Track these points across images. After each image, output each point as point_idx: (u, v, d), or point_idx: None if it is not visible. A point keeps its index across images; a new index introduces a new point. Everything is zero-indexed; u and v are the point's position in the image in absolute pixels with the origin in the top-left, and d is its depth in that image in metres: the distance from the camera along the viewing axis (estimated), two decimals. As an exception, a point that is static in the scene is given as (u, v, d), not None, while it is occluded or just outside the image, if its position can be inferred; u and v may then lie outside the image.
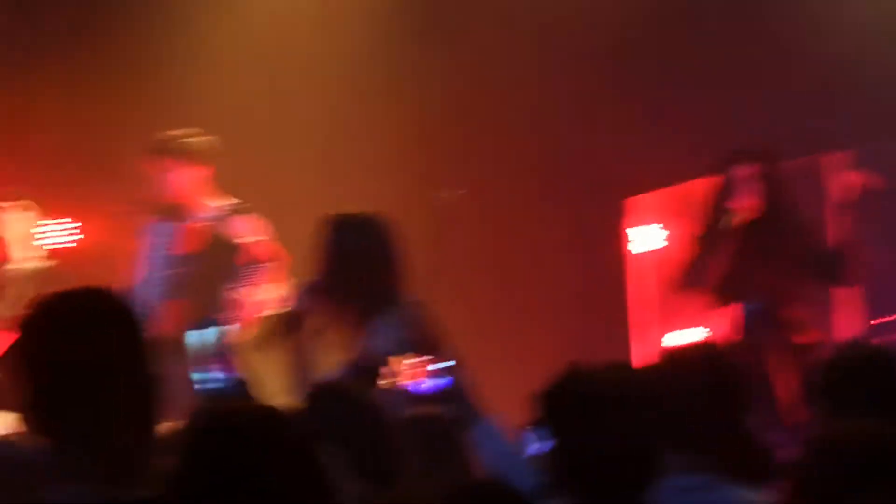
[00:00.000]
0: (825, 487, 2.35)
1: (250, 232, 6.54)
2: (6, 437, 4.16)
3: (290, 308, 4.68)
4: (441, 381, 3.41)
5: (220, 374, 3.49)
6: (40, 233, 8.18)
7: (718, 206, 6.34)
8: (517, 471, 3.25)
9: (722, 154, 6.58)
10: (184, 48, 8.83)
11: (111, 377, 2.35)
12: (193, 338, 3.53)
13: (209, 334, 3.53)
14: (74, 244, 8.48)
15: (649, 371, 3.49)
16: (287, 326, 4.71)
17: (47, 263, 7.25)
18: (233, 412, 2.38)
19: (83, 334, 2.36)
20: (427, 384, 3.45)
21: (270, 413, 2.37)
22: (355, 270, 4.73)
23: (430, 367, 3.46)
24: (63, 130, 8.78)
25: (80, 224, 8.62)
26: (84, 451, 2.32)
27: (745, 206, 6.25)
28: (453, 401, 3.48)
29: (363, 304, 4.67)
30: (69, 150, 8.74)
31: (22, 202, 7.25)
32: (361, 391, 3.48)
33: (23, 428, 4.29)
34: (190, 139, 6.74)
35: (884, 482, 2.34)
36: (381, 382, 3.55)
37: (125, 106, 8.67)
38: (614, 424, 2.80)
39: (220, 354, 3.51)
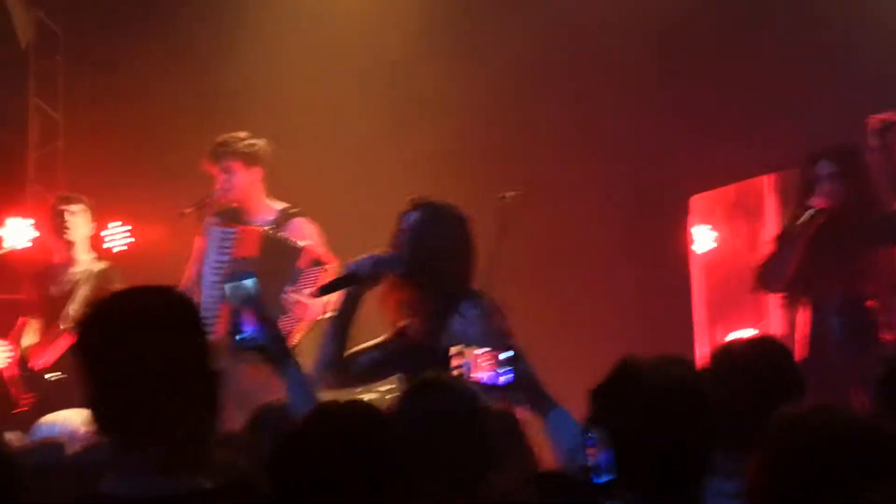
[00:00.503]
0: (788, 468, 2.29)
1: (307, 235, 6.55)
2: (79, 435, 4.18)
3: (352, 269, 4.58)
4: (512, 372, 3.39)
5: (253, 328, 3.50)
6: (103, 235, 8.31)
7: (800, 202, 6.25)
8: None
9: (803, 150, 6.49)
10: (240, 53, 8.89)
11: (174, 374, 2.37)
12: (229, 288, 3.52)
13: (246, 286, 3.52)
14: (126, 247, 8.58)
15: (705, 366, 3.44)
16: (341, 284, 4.62)
17: (109, 265, 7.33)
18: (330, 409, 2.50)
19: (147, 331, 2.38)
20: (500, 375, 3.43)
21: (365, 410, 2.46)
22: (442, 257, 4.64)
23: (502, 358, 3.43)
24: (118, 133, 8.88)
25: (130, 227, 8.72)
26: (147, 445, 2.36)
27: (825, 203, 6.16)
28: (527, 389, 3.45)
29: (446, 291, 4.59)
30: (124, 152, 8.83)
31: (84, 205, 7.33)
32: (461, 383, 3.46)
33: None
34: (251, 141, 6.76)
35: (842, 465, 2.28)
36: (454, 372, 3.51)
37: (180, 108, 8.74)
38: (664, 419, 2.74)
39: (254, 306, 3.49)
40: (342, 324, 4.69)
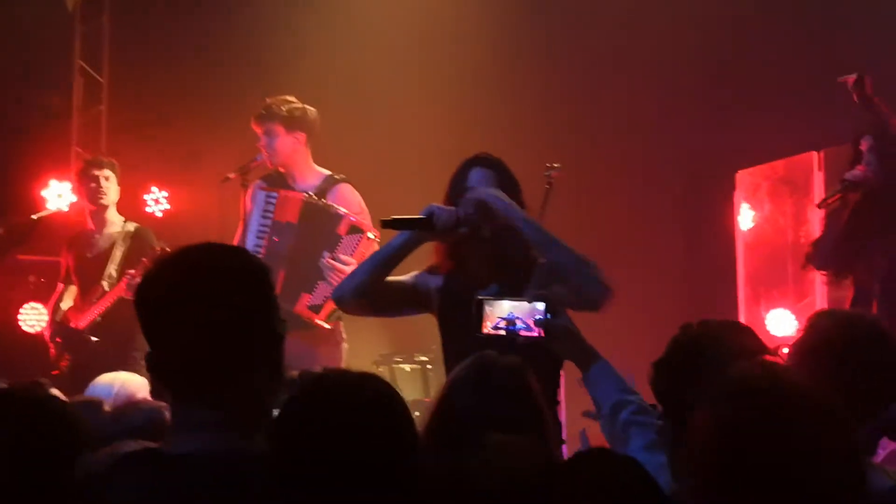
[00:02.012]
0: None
1: (350, 202, 6.52)
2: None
3: (435, 214, 4.52)
4: (552, 325, 3.33)
5: None
6: (144, 199, 8.31)
7: (842, 178, 6.18)
8: (630, 414, 3.20)
9: (845, 127, 6.42)
10: (289, 20, 8.87)
11: (239, 333, 2.33)
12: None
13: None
14: (161, 213, 8.59)
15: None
16: (414, 225, 4.55)
17: (140, 226, 7.34)
18: (333, 378, 2.38)
19: (213, 287, 2.34)
20: (539, 328, 3.38)
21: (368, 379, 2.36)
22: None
23: (541, 308, 3.37)
24: (161, 97, 8.89)
25: (168, 193, 8.72)
26: (205, 404, 2.32)
27: (858, 178, 6.08)
28: (569, 342, 3.40)
29: (512, 247, 4.55)
30: (167, 116, 8.84)
31: (113, 168, 7.34)
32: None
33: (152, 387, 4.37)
34: (294, 106, 6.73)
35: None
36: (488, 324, 3.45)
37: (224, 73, 8.73)
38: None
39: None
40: (390, 260, 4.62)
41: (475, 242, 4.49)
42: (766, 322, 7.67)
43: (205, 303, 2.32)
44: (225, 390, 2.32)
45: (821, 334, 3.15)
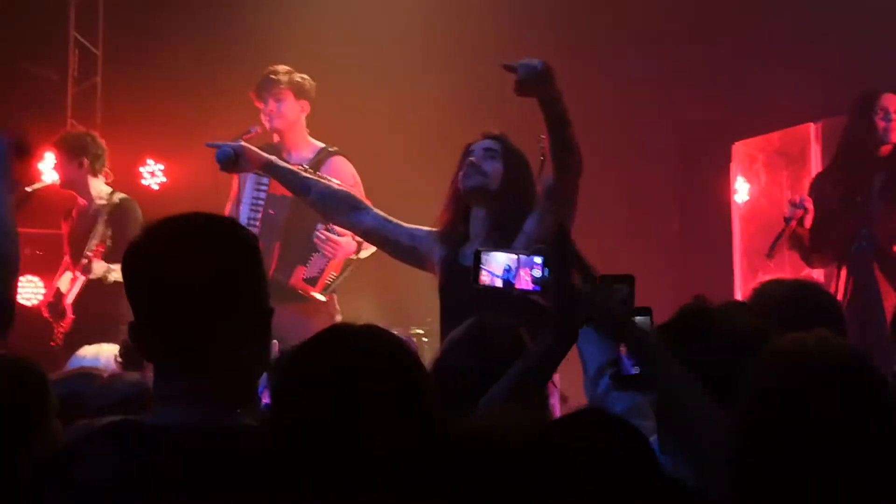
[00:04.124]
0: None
1: (344, 175, 6.52)
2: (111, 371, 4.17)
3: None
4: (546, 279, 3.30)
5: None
6: (140, 171, 8.27)
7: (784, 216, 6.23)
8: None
9: (841, 98, 6.44)
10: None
11: (225, 303, 2.28)
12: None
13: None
14: (157, 186, 8.55)
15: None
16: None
17: (125, 197, 7.28)
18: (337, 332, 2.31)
19: (199, 257, 2.29)
20: (535, 281, 3.36)
21: (374, 331, 2.28)
22: (528, 180, 4.77)
23: (537, 262, 3.36)
24: (156, 70, 8.85)
25: (164, 166, 8.69)
26: (189, 375, 2.28)
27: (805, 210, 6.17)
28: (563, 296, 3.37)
29: (520, 211, 4.64)
30: (162, 89, 8.81)
31: (90, 141, 7.28)
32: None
33: (124, 357, 4.37)
34: (301, 75, 6.74)
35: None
36: (484, 278, 3.45)
37: (219, 46, 8.71)
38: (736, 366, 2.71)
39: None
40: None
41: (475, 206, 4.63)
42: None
43: (190, 272, 2.28)
44: (208, 361, 2.28)
45: (765, 299, 3.30)
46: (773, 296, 3.39)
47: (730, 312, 2.98)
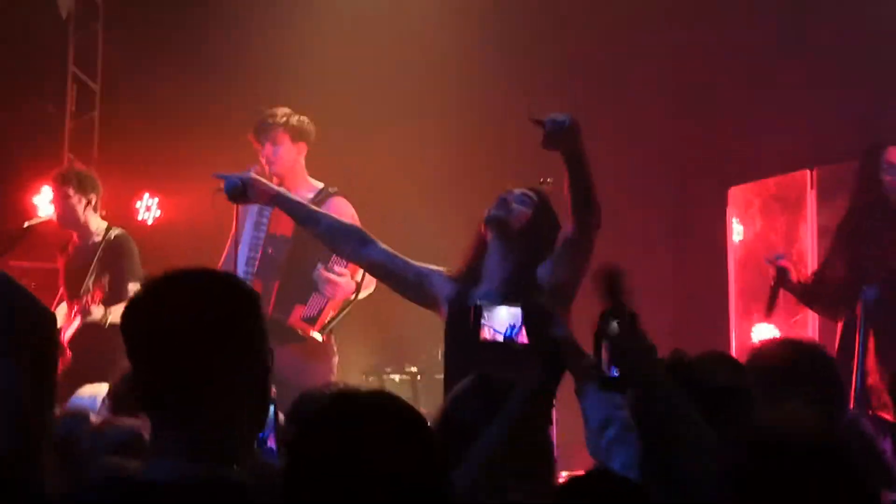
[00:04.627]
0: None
1: (344, 215, 6.54)
2: (105, 416, 4.17)
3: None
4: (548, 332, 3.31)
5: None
6: (137, 207, 8.28)
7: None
8: (616, 431, 3.20)
9: (838, 146, 6.49)
10: (279, 28, 8.87)
11: (224, 359, 2.29)
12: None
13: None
14: (152, 222, 8.57)
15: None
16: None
17: (121, 232, 7.26)
18: (348, 397, 2.31)
19: (197, 315, 2.31)
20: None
21: (386, 399, 2.30)
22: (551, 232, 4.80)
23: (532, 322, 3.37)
24: (154, 105, 8.88)
25: (158, 199, 8.70)
26: (180, 429, 2.28)
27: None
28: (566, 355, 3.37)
29: (537, 259, 4.67)
30: (159, 124, 8.83)
31: (79, 180, 7.27)
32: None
33: (113, 401, 4.37)
34: (299, 117, 6.76)
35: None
36: (485, 333, 3.45)
37: (217, 82, 8.73)
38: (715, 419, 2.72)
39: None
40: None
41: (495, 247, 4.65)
42: (752, 335, 7.71)
43: (187, 326, 2.30)
44: (204, 416, 2.28)
45: (762, 362, 3.35)
46: (770, 358, 3.43)
47: (707, 364, 3.01)
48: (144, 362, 2.33)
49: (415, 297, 4.97)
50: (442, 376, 6.85)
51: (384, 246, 5.02)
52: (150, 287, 2.38)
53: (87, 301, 6.93)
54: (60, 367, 6.98)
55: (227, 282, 2.43)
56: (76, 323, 7.06)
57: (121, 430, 3.64)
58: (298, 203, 5.28)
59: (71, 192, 7.19)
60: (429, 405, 5.43)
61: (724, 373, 2.95)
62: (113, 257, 7.10)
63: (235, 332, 2.33)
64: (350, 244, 5.08)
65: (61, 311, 7.29)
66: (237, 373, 2.31)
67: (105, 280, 6.97)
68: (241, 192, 5.10)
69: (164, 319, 2.31)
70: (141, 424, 3.56)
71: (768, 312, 6.26)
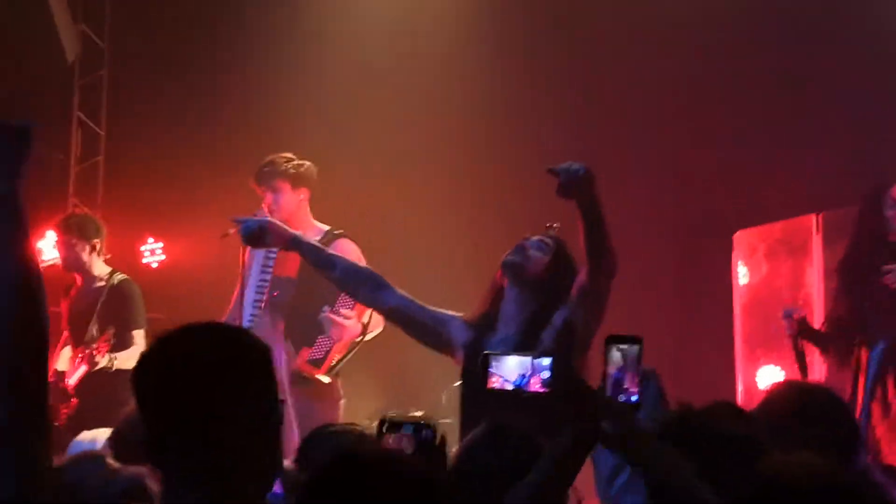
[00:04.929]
0: None
1: (350, 257, 6.53)
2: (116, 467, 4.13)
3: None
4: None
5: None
6: (141, 250, 8.28)
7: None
8: (626, 478, 3.18)
9: (844, 191, 6.50)
10: (283, 74, 8.90)
11: (237, 419, 2.30)
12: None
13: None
14: (157, 265, 8.56)
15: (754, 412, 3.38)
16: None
17: (125, 278, 7.25)
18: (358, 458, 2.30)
19: (210, 375, 2.31)
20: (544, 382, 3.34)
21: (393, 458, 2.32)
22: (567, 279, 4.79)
23: (546, 367, 3.34)
24: (158, 150, 8.90)
25: (163, 244, 8.71)
26: (198, 491, 2.28)
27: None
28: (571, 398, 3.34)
29: (554, 304, 4.64)
30: (164, 169, 8.85)
31: (81, 225, 7.27)
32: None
33: (115, 446, 4.34)
34: (298, 162, 6.76)
35: None
36: (494, 382, 3.44)
37: (222, 127, 8.76)
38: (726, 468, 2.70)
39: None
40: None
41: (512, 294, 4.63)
42: (757, 378, 7.69)
43: (201, 383, 2.30)
44: (216, 470, 2.29)
45: (775, 406, 3.34)
46: (780, 400, 3.41)
47: (715, 414, 2.99)
48: (155, 415, 2.34)
49: (431, 343, 4.94)
50: (447, 420, 6.87)
51: (401, 291, 5.00)
52: (162, 341, 2.38)
53: (92, 352, 6.90)
54: (66, 413, 6.97)
55: (238, 337, 2.43)
56: (81, 371, 7.03)
57: (126, 479, 3.61)
58: (314, 247, 5.28)
59: (74, 239, 7.19)
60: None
61: (732, 422, 2.93)
62: (117, 304, 7.09)
63: (248, 388, 2.33)
64: (366, 289, 5.06)
65: (65, 356, 7.26)
66: (249, 427, 2.31)
67: (111, 331, 6.95)
68: (258, 235, 5.10)
69: (176, 373, 2.31)
70: (146, 472, 3.54)
71: (804, 374, 6.24)
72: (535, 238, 4.86)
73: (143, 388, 2.35)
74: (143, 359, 2.37)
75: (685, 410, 2.99)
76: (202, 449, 2.28)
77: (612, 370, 2.91)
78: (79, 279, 7.30)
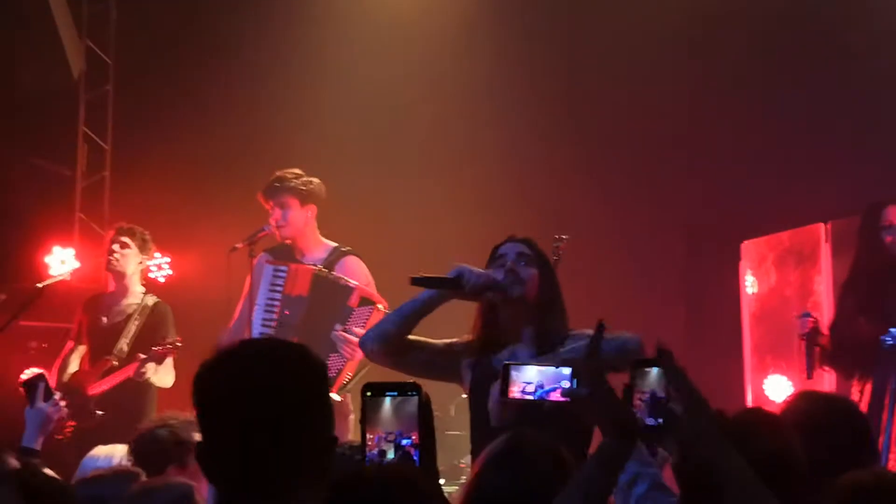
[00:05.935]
0: None
1: (357, 274, 6.54)
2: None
3: (464, 276, 4.55)
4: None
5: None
6: (147, 265, 8.28)
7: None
8: (646, 489, 3.19)
9: (852, 200, 6.50)
10: (291, 88, 8.91)
11: (293, 433, 2.32)
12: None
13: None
14: (163, 279, 8.56)
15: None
16: (440, 284, 4.58)
17: (159, 300, 7.29)
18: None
19: (270, 387, 2.33)
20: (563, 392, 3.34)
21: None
22: (557, 290, 4.69)
23: (566, 377, 3.34)
24: (164, 164, 8.90)
25: (170, 259, 8.71)
26: (256, 499, 2.31)
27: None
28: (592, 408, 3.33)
29: (556, 323, 4.59)
30: (170, 183, 8.85)
31: (138, 238, 7.30)
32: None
33: (136, 459, 4.34)
34: (307, 179, 6.76)
35: None
36: (514, 391, 3.42)
37: (227, 141, 8.76)
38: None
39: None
40: (415, 314, 4.64)
41: (511, 313, 4.56)
42: (765, 386, 7.70)
43: (262, 402, 2.31)
44: (271, 491, 2.30)
45: (796, 414, 3.33)
46: (795, 412, 3.42)
47: (751, 426, 2.99)
48: (217, 426, 2.35)
49: (443, 376, 4.80)
50: (455, 432, 6.86)
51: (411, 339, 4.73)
52: (224, 357, 2.39)
53: (142, 360, 6.89)
54: (91, 423, 6.96)
55: (301, 352, 2.43)
56: (105, 384, 7.03)
57: (171, 492, 3.58)
58: None
59: (134, 248, 7.23)
60: (443, 461, 5.40)
61: (771, 437, 2.93)
62: (157, 324, 7.12)
63: (309, 403, 2.35)
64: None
65: (76, 358, 7.25)
66: (304, 447, 2.33)
67: (148, 349, 6.95)
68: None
69: (242, 386, 2.33)
70: (194, 485, 3.54)
71: (810, 375, 6.23)
72: (513, 253, 4.69)
73: (206, 399, 2.36)
74: (207, 370, 2.38)
75: (719, 419, 2.97)
76: (261, 461, 2.30)
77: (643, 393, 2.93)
78: (110, 287, 7.30)
